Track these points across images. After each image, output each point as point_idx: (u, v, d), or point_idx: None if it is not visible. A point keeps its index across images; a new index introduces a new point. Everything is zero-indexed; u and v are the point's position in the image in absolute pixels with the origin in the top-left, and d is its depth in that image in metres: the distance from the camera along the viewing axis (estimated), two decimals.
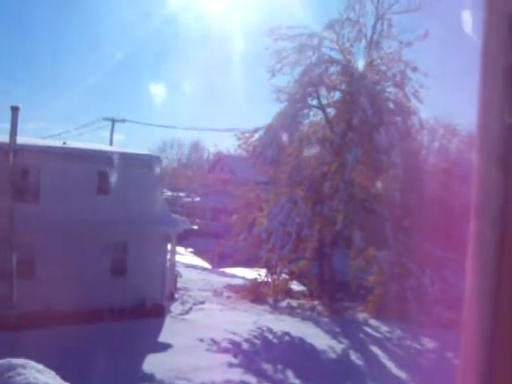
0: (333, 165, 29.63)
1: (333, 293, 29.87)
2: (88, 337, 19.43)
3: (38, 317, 20.29)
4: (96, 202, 23.06)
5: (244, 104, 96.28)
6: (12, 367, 1.73)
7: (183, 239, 40.38)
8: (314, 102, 31.83)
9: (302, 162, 30.29)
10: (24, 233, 20.64)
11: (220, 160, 57.45)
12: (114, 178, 23.76)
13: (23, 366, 1.76)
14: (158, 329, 22.49)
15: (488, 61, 0.85)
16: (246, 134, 32.62)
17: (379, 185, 29.08)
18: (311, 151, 30.61)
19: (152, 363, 18.29)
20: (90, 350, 18.10)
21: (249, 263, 33.81)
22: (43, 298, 20.82)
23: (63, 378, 1.87)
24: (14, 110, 21.29)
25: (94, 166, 23.43)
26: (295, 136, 30.48)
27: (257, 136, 32.12)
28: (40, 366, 1.83)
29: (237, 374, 18.10)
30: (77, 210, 22.19)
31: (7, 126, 21.18)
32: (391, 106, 29.98)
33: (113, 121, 46.48)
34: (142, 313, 23.41)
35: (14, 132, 21.03)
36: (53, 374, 1.84)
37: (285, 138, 30.15)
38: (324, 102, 31.68)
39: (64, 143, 24.92)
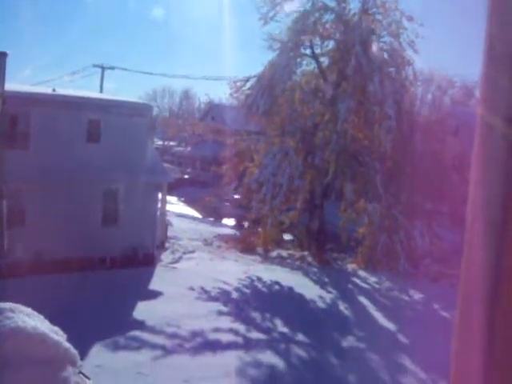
0: (325, 115, 29.43)
1: (323, 244, 30.07)
2: (79, 284, 19.53)
3: (28, 265, 20.33)
4: (86, 150, 22.87)
5: (236, 52, 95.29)
6: (0, 311, 1.67)
7: (174, 188, 40.37)
8: (308, 51, 31.40)
9: (294, 112, 30.04)
10: (14, 180, 20.51)
11: (211, 109, 57.06)
12: (104, 126, 23.55)
13: (12, 310, 1.70)
14: (149, 277, 22.62)
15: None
16: (238, 83, 32.28)
17: (371, 136, 28.91)
18: (303, 101, 30.25)
19: (143, 311, 18.45)
20: (81, 297, 18.21)
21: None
22: (34, 247, 20.83)
23: (53, 323, 1.82)
24: (2, 55, 20.90)
25: (84, 114, 23.18)
26: (287, 86, 30.13)
27: (248, 85, 31.77)
28: (29, 310, 1.77)
29: (226, 322, 18.29)
30: (67, 157, 22.02)
31: None
32: (386, 56, 29.61)
33: (102, 68, 45.96)
34: (133, 261, 23.51)
35: (1, 78, 20.69)
36: (41, 317, 1.78)
37: (277, 87, 29.82)
38: (317, 51, 31.25)
39: (53, 90, 24.59)
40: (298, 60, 31.40)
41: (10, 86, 21.25)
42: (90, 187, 22.77)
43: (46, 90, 25.20)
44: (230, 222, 39.05)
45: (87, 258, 22.10)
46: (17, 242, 20.61)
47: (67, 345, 1.74)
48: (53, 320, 1.86)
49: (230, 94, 33.88)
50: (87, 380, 1.73)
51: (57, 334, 1.75)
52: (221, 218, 40.15)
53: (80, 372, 1.75)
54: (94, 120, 23.44)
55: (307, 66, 31.98)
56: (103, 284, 20.42)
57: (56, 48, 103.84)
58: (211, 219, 40.31)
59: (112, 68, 47.14)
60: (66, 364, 1.70)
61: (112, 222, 23.82)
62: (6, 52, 21.02)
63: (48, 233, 21.00)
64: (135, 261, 23.67)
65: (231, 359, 15.19)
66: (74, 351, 1.75)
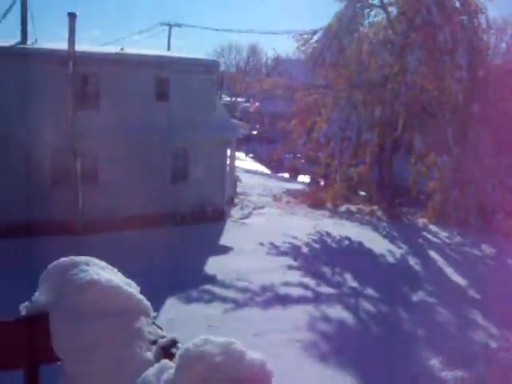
0: (394, 67, 28.80)
1: (392, 198, 29.73)
2: (151, 240, 20.01)
3: (102, 222, 20.95)
4: (155, 108, 23.15)
5: (303, 5, 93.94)
6: (75, 264, 1.76)
7: (242, 144, 40.54)
8: (375, 1, 30.60)
9: (362, 64, 29.49)
10: (86, 140, 21.02)
11: (278, 64, 56.61)
12: (172, 84, 23.74)
13: (86, 263, 1.79)
14: (219, 233, 22.98)
15: None
16: (305, 36, 31.83)
17: (442, 88, 28.14)
18: (372, 53, 29.59)
19: (214, 265, 18.83)
20: (153, 252, 18.67)
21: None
22: (107, 204, 21.40)
23: (129, 277, 1.91)
24: (71, 16, 21.24)
25: (153, 72, 23.40)
26: (355, 37, 29.55)
27: (316, 38, 31.30)
28: (103, 263, 1.86)
29: (296, 276, 18.47)
30: (137, 116, 22.36)
31: (66, 33, 21.24)
32: (457, 4, 28.62)
33: (169, 25, 46.08)
34: (203, 217, 23.87)
35: (71, 39, 21.06)
36: (115, 270, 1.87)
37: (344, 39, 29.29)
38: (386, 0, 30.43)
39: (122, 49, 24.85)
40: (366, 11, 30.63)
41: (80, 46, 21.60)
42: (159, 145, 23.09)
43: (114, 49, 25.52)
44: (302, 177, 38.92)
45: (158, 214, 22.57)
46: (91, 200, 21.23)
47: (140, 296, 1.83)
48: (128, 274, 1.95)
49: (297, 48, 33.45)
50: (160, 330, 1.81)
51: (130, 286, 1.83)
52: (294, 174, 39.94)
53: (153, 323, 1.83)
54: (162, 78, 23.63)
55: (375, 16, 31.19)
56: (174, 239, 20.84)
57: (124, 7, 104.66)
58: (282, 175, 40.34)
59: (179, 25, 47.23)
60: (139, 315, 1.78)
61: (182, 178, 24.15)
62: (75, 13, 21.36)
63: (120, 190, 21.50)
64: (205, 217, 24.02)
65: (301, 313, 15.38)
66: (146, 303, 1.84)
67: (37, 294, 1.83)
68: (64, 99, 20.82)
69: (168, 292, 15.70)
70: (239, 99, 65.97)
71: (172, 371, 1.42)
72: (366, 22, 31.02)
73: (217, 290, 16.85)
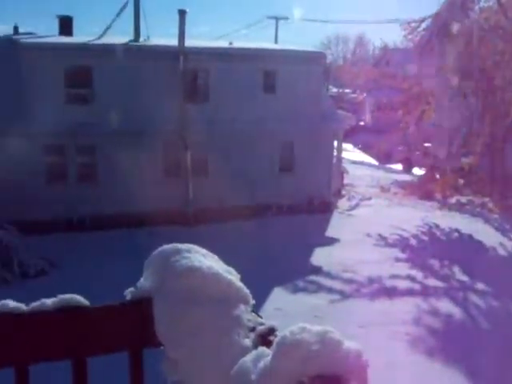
0: (506, 53, 27.66)
1: (505, 189, 28.61)
2: (259, 230, 20.25)
3: (211, 212, 21.38)
4: (263, 101, 23.35)
5: None
6: (178, 251, 1.83)
7: (350, 136, 40.12)
8: None
9: (472, 51, 28.49)
10: (197, 132, 21.50)
11: (386, 54, 55.66)
12: (279, 76, 23.84)
13: (188, 251, 1.85)
14: (326, 224, 22.93)
15: None
16: (413, 24, 31.11)
17: None
18: (482, 39, 28.51)
19: (320, 256, 18.83)
20: (261, 242, 18.91)
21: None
22: (217, 195, 21.79)
23: (238, 267, 1.96)
24: (181, 13, 21.83)
25: (260, 65, 23.57)
26: (464, 24, 28.57)
27: (423, 26, 30.54)
28: (204, 251, 1.92)
29: (403, 268, 18.18)
30: (245, 108, 22.63)
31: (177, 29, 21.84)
32: None
33: (276, 19, 46.17)
34: (309, 208, 23.89)
35: (182, 35, 21.63)
36: (216, 258, 1.92)
37: (453, 26, 28.37)
38: None
39: (230, 43, 25.19)
40: None
41: (190, 42, 22.11)
42: (266, 136, 23.26)
43: (223, 44, 25.89)
44: (416, 170, 37.95)
45: (266, 205, 22.76)
46: (201, 191, 21.71)
47: (240, 284, 1.87)
48: (234, 264, 1.99)
49: (404, 36, 32.78)
50: (259, 318, 1.84)
51: (230, 274, 1.88)
52: (408, 166, 38.86)
53: (252, 310, 1.87)
54: (269, 71, 23.78)
55: (485, 1, 30.04)
56: (282, 230, 20.97)
57: (232, 2, 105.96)
58: (390, 166, 39.57)
59: (286, 18, 47.17)
60: (238, 302, 1.82)
61: (289, 170, 24.27)
62: (185, 10, 21.91)
63: (229, 181, 21.83)
64: (312, 208, 24.02)
65: (408, 306, 15.12)
66: (246, 290, 1.88)
67: (142, 279, 1.91)
68: (175, 93, 21.38)
69: (275, 282, 15.86)
70: (346, 90, 65.32)
71: (269, 358, 1.44)
72: (477, 7, 29.94)
73: (323, 280, 16.85)
